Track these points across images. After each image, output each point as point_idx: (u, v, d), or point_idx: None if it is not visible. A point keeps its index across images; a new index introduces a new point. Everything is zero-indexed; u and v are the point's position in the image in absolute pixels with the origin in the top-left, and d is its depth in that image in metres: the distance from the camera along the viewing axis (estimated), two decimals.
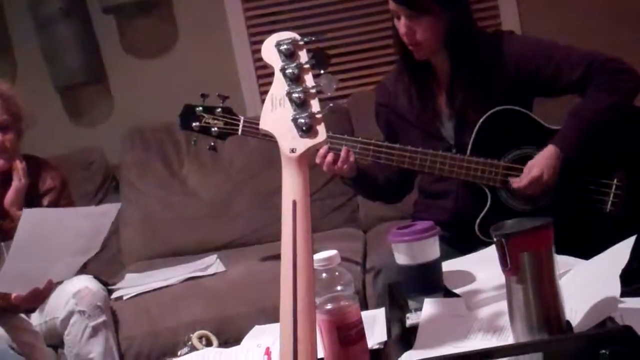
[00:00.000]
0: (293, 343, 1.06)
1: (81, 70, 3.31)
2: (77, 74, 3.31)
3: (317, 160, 2.06)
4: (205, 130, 2.32)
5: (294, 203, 1.12)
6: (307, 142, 1.13)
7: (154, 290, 2.59)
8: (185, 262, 2.85)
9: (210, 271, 2.69)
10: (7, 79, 2.43)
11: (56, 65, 3.31)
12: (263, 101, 3.52)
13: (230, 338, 1.86)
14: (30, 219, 1.85)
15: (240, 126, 2.29)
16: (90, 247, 2.03)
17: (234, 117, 2.31)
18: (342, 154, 2.05)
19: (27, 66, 3.35)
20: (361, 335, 1.30)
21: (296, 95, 1.15)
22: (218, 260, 2.79)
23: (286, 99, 1.16)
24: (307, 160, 1.13)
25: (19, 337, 2.13)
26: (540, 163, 1.99)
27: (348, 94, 3.38)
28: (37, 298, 2.07)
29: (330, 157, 2.05)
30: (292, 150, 1.13)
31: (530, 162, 2.01)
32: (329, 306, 1.28)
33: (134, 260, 3.06)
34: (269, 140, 2.30)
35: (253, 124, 2.30)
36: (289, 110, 1.15)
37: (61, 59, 3.28)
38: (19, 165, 2.29)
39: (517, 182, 2.01)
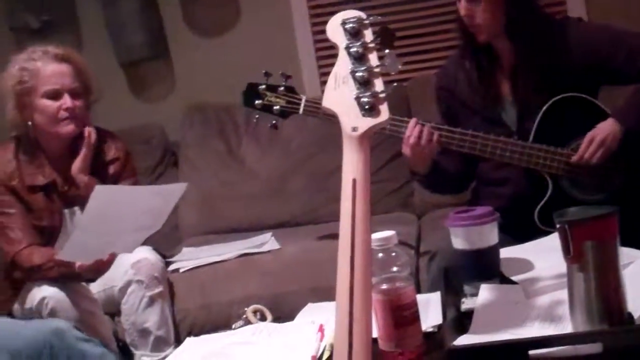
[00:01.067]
0: (349, 321, 1.06)
1: (144, 46, 3.36)
2: (140, 50, 3.36)
3: (406, 134, 2.05)
4: (267, 109, 2.34)
5: (354, 182, 1.12)
6: (369, 121, 1.12)
7: (210, 264, 2.62)
8: (241, 239, 2.88)
9: (265, 248, 2.71)
10: None
11: (120, 40, 3.36)
12: (322, 82, 3.58)
13: (282, 314, 1.87)
14: (101, 196, 1.91)
15: (302, 105, 2.31)
16: (154, 224, 2.09)
17: (296, 96, 2.32)
18: (426, 130, 2.04)
19: (92, 41, 3.41)
20: (415, 317, 1.30)
21: (360, 74, 1.15)
22: (273, 238, 2.81)
23: (350, 77, 1.16)
24: (368, 139, 1.13)
25: (79, 303, 2.19)
26: (602, 129, 1.95)
27: (407, 77, 3.36)
28: (100, 269, 2.13)
29: (416, 131, 2.03)
30: (354, 129, 1.13)
31: (589, 133, 1.97)
32: (384, 286, 1.28)
33: (190, 235, 3.10)
34: (329, 120, 2.33)
35: (314, 103, 2.31)
36: (352, 89, 1.15)
37: (125, 35, 3.34)
38: (88, 134, 2.34)
39: (579, 153, 1.97)
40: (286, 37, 3.45)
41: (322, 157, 3.16)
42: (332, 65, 3.69)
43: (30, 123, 2.32)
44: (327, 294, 2.25)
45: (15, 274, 2.29)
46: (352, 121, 1.13)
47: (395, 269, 1.29)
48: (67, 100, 2.29)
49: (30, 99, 2.30)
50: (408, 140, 2.06)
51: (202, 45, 3.47)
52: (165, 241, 2.88)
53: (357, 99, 1.14)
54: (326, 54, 3.49)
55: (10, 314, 2.30)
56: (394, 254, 1.29)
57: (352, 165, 1.13)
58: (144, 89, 3.53)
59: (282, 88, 2.34)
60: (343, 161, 1.13)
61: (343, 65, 1.18)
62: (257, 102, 2.36)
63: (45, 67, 2.30)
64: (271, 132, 2.47)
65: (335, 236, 2.93)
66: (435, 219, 2.90)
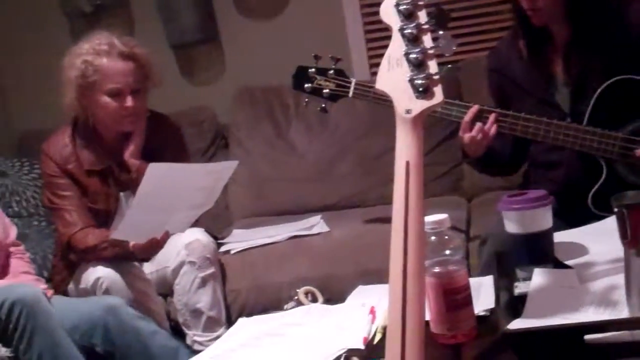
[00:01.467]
0: (402, 304, 1.06)
1: (195, 29, 3.38)
2: (191, 33, 3.38)
3: (466, 119, 2.04)
4: (316, 92, 2.35)
5: (407, 164, 1.12)
6: (423, 104, 1.11)
7: (260, 246, 2.65)
8: (289, 221, 2.90)
9: (314, 231, 2.73)
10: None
11: (171, 23, 3.39)
12: (371, 64, 3.56)
13: (331, 296, 1.88)
14: (155, 173, 1.93)
15: (352, 88, 2.31)
16: (206, 202, 2.12)
17: (345, 79, 2.32)
18: (491, 118, 2.03)
19: (144, 24, 3.45)
20: (468, 301, 1.30)
21: (414, 55, 1.14)
22: (322, 220, 2.82)
23: (403, 59, 1.15)
24: (422, 121, 1.12)
25: (133, 284, 2.23)
26: None
27: (457, 59, 3.32)
28: (154, 248, 2.17)
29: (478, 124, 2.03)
30: (408, 111, 1.12)
31: None
32: (437, 269, 1.28)
33: (240, 217, 3.13)
34: (379, 103, 2.33)
35: (364, 86, 2.31)
36: (405, 71, 1.14)
37: (176, 18, 3.36)
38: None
39: None
40: (335, 19, 3.44)
41: (370, 141, 3.16)
42: (382, 47, 3.68)
43: (89, 111, 2.35)
44: (376, 276, 2.27)
45: (70, 255, 2.33)
46: (406, 103, 1.13)
47: (447, 252, 1.29)
48: (128, 100, 2.31)
49: (92, 93, 2.32)
50: (464, 130, 2.05)
51: (252, 28, 3.48)
52: (216, 223, 2.92)
53: (411, 81, 1.13)
54: (375, 37, 3.47)
55: (66, 294, 2.34)
56: (446, 237, 1.29)
57: (406, 148, 1.13)
58: (195, 72, 3.56)
59: (331, 71, 2.34)
60: (396, 144, 1.13)
61: (397, 47, 1.17)
62: (306, 85, 2.36)
63: (110, 64, 2.30)
64: (320, 115, 2.47)
65: (383, 220, 2.95)
66: (485, 203, 2.87)
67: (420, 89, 1.12)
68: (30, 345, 1.71)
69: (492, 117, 2.05)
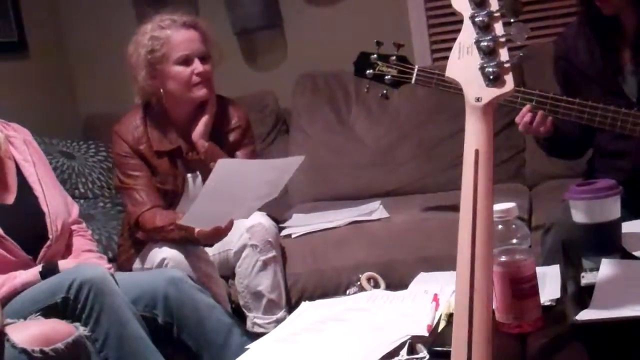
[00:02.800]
0: (469, 292, 1.06)
1: (259, 15, 3.41)
2: (255, 19, 3.42)
3: (517, 120, 2.04)
4: (378, 78, 2.34)
5: (477, 152, 1.11)
6: (494, 91, 1.11)
7: (321, 230, 2.67)
8: (348, 207, 2.91)
9: (374, 216, 2.73)
10: None
11: (236, 9, 3.43)
12: (433, 50, 3.52)
13: (391, 282, 1.89)
14: (224, 168, 1.97)
15: (414, 75, 2.30)
16: (271, 193, 2.15)
17: (408, 65, 2.31)
18: (538, 118, 2.01)
19: (208, 10, 3.49)
20: (534, 290, 1.29)
21: (485, 43, 1.13)
22: (381, 206, 2.83)
23: (474, 47, 1.14)
24: (492, 109, 1.11)
25: (198, 266, 2.27)
26: None
27: (522, 45, 3.27)
28: (218, 235, 2.20)
29: (528, 117, 2.02)
30: (478, 99, 1.11)
31: None
32: (503, 258, 1.28)
33: (300, 202, 3.16)
34: (442, 90, 2.32)
35: (427, 73, 2.30)
36: (476, 59, 1.13)
37: (241, 4, 3.40)
38: (210, 100, 2.41)
39: None
40: (398, 5, 3.42)
41: (430, 127, 3.15)
42: (444, 33, 3.68)
43: (161, 90, 2.39)
44: (436, 264, 2.28)
45: (138, 234, 2.38)
46: (476, 91, 1.12)
47: (515, 241, 1.28)
48: (198, 65, 2.35)
49: (162, 66, 2.36)
50: (518, 125, 2.04)
51: (315, 15, 3.49)
52: (277, 207, 2.94)
53: (482, 68, 1.12)
54: (437, 22, 3.45)
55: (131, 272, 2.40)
56: (514, 226, 1.29)
57: (475, 136, 1.12)
58: (258, 57, 3.59)
59: (394, 57, 2.34)
60: (465, 132, 1.12)
61: (467, 34, 1.16)
62: (368, 71, 2.37)
63: (175, 34, 2.35)
64: (381, 101, 2.47)
65: (442, 207, 2.93)
66: (547, 191, 2.84)
67: (491, 77, 1.11)
68: (98, 324, 1.76)
69: (538, 116, 2.02)
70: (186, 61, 2.36)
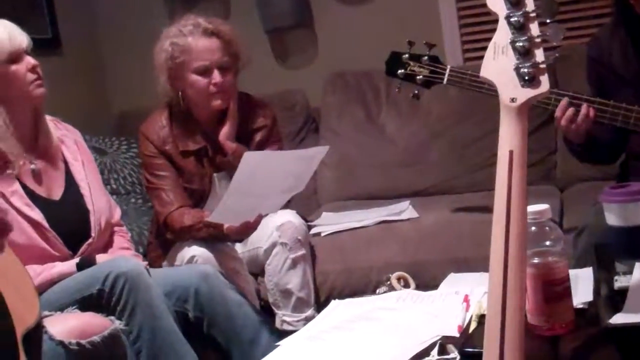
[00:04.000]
0: (502, 293, 1.05)
1: (290, 13, 3.42)
2: (285, 17, 3.43)
3: (557, 114, 2.02)
4: (410, 78, 2.34)
5: (511, 153, 1.10)
6: (529, 92, 1.10)
7: (350, 229, 2.67)
8: (377, 206, 2.90)
9: (403, 216, 2.72)
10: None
11: (267, 7, 3.44)
12: (464, 49, 3.50)
13: (420, 283, 1.89)
14: (250, 162, 1.98)
15: (446, 75, 2.29)
16: (297, 186, 2.15)
17: (440, 65, 2.30)
18: (583, 110, 1.99)
19: (240, 7, 3.51)
20: (567, 293, 1.28)
21: (520, 44, 1.13)
22: (411, 206, 2.82)
23: (509, 47, 1.14)
24: (526, 110, 1.11)
25: (226, 263, 2.28)
26: None
27: (555, 46, 3.24)
28: (247, 230, 2.21)
29: (570, 111, 2.00)
30: (512, 100, 1.11)
31: None
32: (536, 260, 1.27)
33: (328, 200, 3.16)
34: (474, 90, 2.31)
35: (459, 73, 2.28)
36: (511, 59, 1.13)
37: (272, 2, 3.41)
38: (231, 107, 2.42)
39: None
40: (429, 4, 3.41)
41: (461, 128, 3.13)
42: (475, 33, 3.65)
43: (181, 94, 2.40)
44: (466, 265, 2.27)
45: (166, 234, 2.40)
46: (511, 92, 1.11)
47: (548, 242, 1.28)
48: (216, 76, 2.35)
49: (181, 73, 2.37)
50: (559, 121, 2.01)
51: (346, 13, 3.49)
52: (306, 205, 2.95)
53: (517, 69, 1.12)
54: (469, 22, 3.43)
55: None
56: (547, 227, 1.28)
57: (509, 137, 1.11)
58: (288, 56, 3.60)
59: (425, 57, 2.33)
60: (500, 132, 1.12)
61: (503, 35, 1.16)
62: (399, 71, 2.36)
63: (195, 42, 2.35)
64: (411, 101, 2.46)
65: (472, 208, 2.91)
66: (578, 193, 2.81)
67: (526, 78, 1.11)
68: (132, 317, 1.78)
69: (583, 109, 2.00)
70: (204, 71, 2.36)
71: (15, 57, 1.94)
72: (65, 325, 1.56)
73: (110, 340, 1.61)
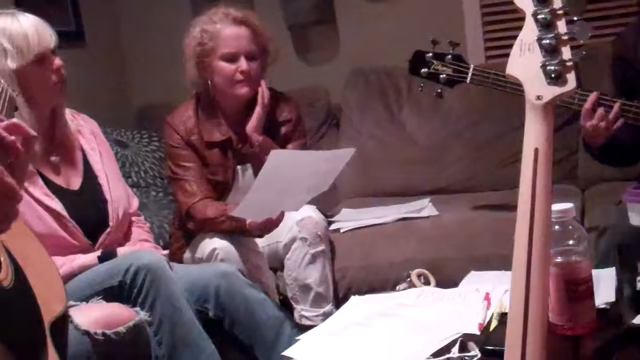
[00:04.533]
0: (525, 292, 1.05)
1: (313, 9, 3.43)
2: (308, 13, 3.43)
3: (587, 106, 2.00)
4: (433, 77, 2.34)
5: (536, 151, 1.10)
6: (555, 90, 1.10)
7: (369, 226, 2.66)
8: (397, 203, 2.90)
9: (423, 214, 2.72)
10: None
11: (289, 3, 3.45)
12: (486, 49, 3.48)
13: (440, 280, 1.88)
14: (276, 160, 1.99)
15: (470, 74, 2.29)
16: (322, 185, 2.16)
17: (464, 64, 2.30)
18: (615, 108, 1.98)
19: (263, 3, 3.51)
20: (590, 293, 1.28)
21: (547, 41, 1.12)
22: (430, 204, 2.82)
23: (536, 44, 1.13)
24: (553, 108, 1.10)
25: (247, 257, 2.29)
26: None
27: (578, 45, 3.22)
28: (269, 227, 2.22)
29: (602, 109, 1.99)
30: (538, 98, 1.11)
31: None
32: (559, 259, 1.27)
33: (348, 197, 3.16)
34: (497, 89, 2.30)
35: (483, 72, 2.28)
36: (538, 57, 1.12)
37: None
38: (264, 94, 2.43)
39: None
40: (452, 2, 3.40)
41: (482, 126, 3.13)
42: (498, 31, 3.63)
43: (209, 82, 2.42)
44: (486, 263, 2.26)
45: (189, 225, 2.41)
46: (537, 89, 1.11)
47: (571, 242, 1.27)
48: (242, 64, 2.37)
49: (209, 60, 2.39)
50: (586, 118, 2.00)
51: (368, 10, 3.48)
52: (325, 201, 2.95)
53: (543, 66, 1.11)
54: (492, 20, 3.42)
55: (181, 262, 2.42)
56: (570, 227, 1.27)
57: (535, 135, 1.11)
58: (310, 52, 3.61)
59: (449, 56, 2.33)
60: (525, 130, 1.12)
61: (529, 32, 1.15)
62: (423, 70, 2.36)
63: (223, 29, 2.38)
64: (432, 98, 2.46)
65: (493, 206, 2.90)
66: (600, 193, 2.79)
67: (553, 75, 1.10)
68: (152, 309, 1.79)
69: (616, 106, 1.99)
70: (232, 58, 2.38)
71: (41, 58, 1.94)
72: (91, 316, 1.57)
73: (135, 331, 1.62)
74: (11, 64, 1.87)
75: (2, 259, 1.10)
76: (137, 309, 1.72)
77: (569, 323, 1.27)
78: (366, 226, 2.66)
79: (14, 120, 1.35)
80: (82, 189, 2.07)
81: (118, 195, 2.12)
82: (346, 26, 3.53)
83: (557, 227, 1.27)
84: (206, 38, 2.38)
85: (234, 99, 2.43)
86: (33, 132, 1.24)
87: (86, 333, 1.51)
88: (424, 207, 2.78)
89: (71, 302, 1.60)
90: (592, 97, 2.00)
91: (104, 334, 1.53)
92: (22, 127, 1.25)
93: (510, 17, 3.38)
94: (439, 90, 2.36)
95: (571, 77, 1.10)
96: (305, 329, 2.07)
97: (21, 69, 1.88)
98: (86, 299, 1.74)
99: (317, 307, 2.38)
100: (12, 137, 1.17)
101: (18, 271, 1.10)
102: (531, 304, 1.04)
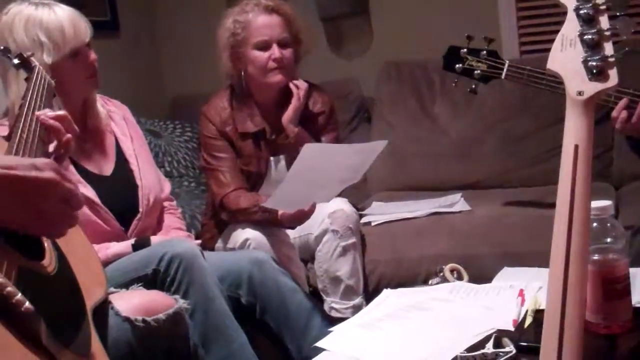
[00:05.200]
0: (562, 289, 1.04)
1: (346, 1, 3.42)
2: (341, 5, 3.43)
3: (614, 114, 2.00)
4: (467, 73, 2.33)
5: (576, 147, 1.09)
6: (596, 86, 1.08)
7: (400, 220, 2.66)
8: (427, 197, 2.89)
9: (455, 208, 2.70)
10: None
11: None
12: (520, 44, 3.44)
13: (471, 275, 1.88)
14: (309, 153, 2.00)
15: (505, 70, 2.28)
16: (354, 177, 2.17)
17: (498, 60, 2.29)
18: (638, 109, 1.96)
19: None
20: (627, 291, 1.27)
21: (589, 36, 1.11)
22: (462, 199, 2.80)
23: (577, 40, 1.12)
24: (593, 104, 1.09)
25: (279, 248, 2.30)
26: None
27: (618, 40, 3.17)
28: (301, 218, 2.23)
29: (624, 114, 1.97)
30: (579, 93, 1.09)
31: None
32: (596, 257, 1.26)
33: (378, 190, 3.15)
34: (532, 86, 2.28)
35: (518, 68, 2.27)
36: (579, 52, 1.11)
37: None
38: (301, 86, 2.43)
39: None
40: None
41: (515, 122, 3.10)
42: (533, 26, 3.59)
43: (243, 73, 2.43)
44: (518, 260, 2.24)
45: (221, 215, 2.43)
46: (578, 85, 1.10)
47: (609, 240, 1.26)
48: (275, 51, 2.38)
49: (242, 50, 2.41)
50: (615, 121, 1.99)
51: (402, 3, 3.47)
52: (356, 194, 2.95)
53: (585, 62, 1.10)
54: (527, 14, 3.38)
55: (213, 251, 2.44)
56: (609, 224, 1.26)
57: (575, 131, 1.10)
58: (343, 44, 3.60)
59: (484, 52, 2.32)
60: (565, 126, 1.11)
61: (571, 27, 1.14)
62: (457, 65, 2.35)
63: (255, 18, 2.39)
64: (466, 93, 2.45)
65: (525, 202, 2.88)
66: (634, 191, 2.76)
67: (594, 71, 1.09)
68: (186, 297, 1.79)
69: (639, 108, 1.97)
70: (265, 46, 2.39)
71: (76, 52, 1.94)
72: (131, 302, 1.58)
73: (175, 319, 1.63)
74: (47, 58, 1.86)
75: (46, 245, 1.12)
76: (177, 296, 1.73)
77: (605, 321, 1.26)
78: (397, 220, 2.66)
79: (64, 112, 1.37)
80: (113, 175, 2.07)
81: (149, 180, 2.12)
82: (380, 18, 3.52)
83: (595, 224, 1.26)
84: (238, 28, 2.39)
85: (268, 88, 2.44)
86: (76, 129, 1.26)
87: (127, 319, 1.52)
88: (456, 202, 2.76)
89: (111, 289, 1.61)
90: (620, 104, 1.99)
91: (144, 321, 1.54)
92: (68, 119, 1.27)
93: (545, 13, 3.35)
94: (473, 86, 2.35)
95: (613, 73, 1.09)
96: (334, 321, 2.08)
97: (56, 63, 1.88)
98: (123, 286, 1.75)
99: (347, 299, 2.38)
100: (59, 124, 1.19)
101: (61, 257, 1.12)
102: (568, 302, 1.03)
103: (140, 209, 2.06)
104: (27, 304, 0.92)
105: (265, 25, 2.40)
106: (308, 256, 2.48)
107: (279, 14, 2.42)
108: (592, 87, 1.09)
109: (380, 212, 2.75)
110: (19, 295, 0.92)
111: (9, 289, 0.92)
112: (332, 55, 3.60)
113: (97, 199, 1.97)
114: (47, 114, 1.37)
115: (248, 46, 2.40)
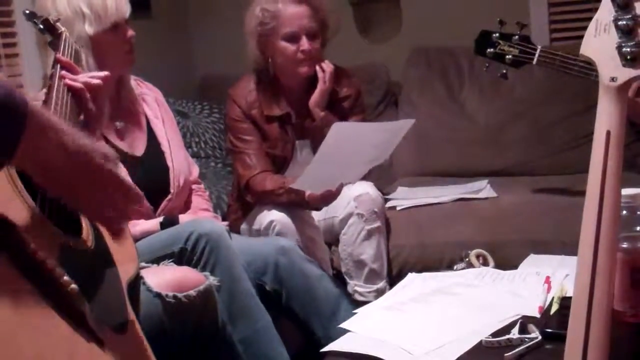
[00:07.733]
0: (590, 276, 1.04)
1: None
2: None
3: (630, 94, 1.97)
4: (499, 57, 2.33)
5: (608, 134, 1.08)
6: (630, 72, 1.07)
7: (426, 205, 2.65)
8: (453, 183, 2.88)
9: (481, 195, 2.69)
10: None
11: None
12: (551, 31, 3.40)
13: (497, 262, 1.87)
14: (338, 132, 2.00)
15: (537, 55, 2.27)
16: (381, 156, 2.17)
17: (530, 45, 2.28)
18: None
19: None
20: None
21: (623, 22, 1.09)
22: (488, 185, 2.79)
23: (612, 25, 1.11)
24: (626, 90, 1.08)
25: (303, 230, 2.31)
26: None
27: None
28: (328, 199, 2.24)
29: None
30: (613, 79, 1.08)
31: None
32: (625, 245, 1.24)
33: (404, 175, 3.14)
34: (563, 72, 2.26)
35: (550, 54, 2.25)
36: (613, 38, 1.10)
37: None
38: (327, 69, 2.43)
39: None
40: None
41: (544, 109, 3.07)
42: (563, 13, 3.54)
43: (270, 61, 2.43)
44: (544, 247, 2.24)
45: (247, 197, 2.44)
46: (611, 71, 1.09)
47: (638, 228, 1.25)
48: (304, 43, 2.38)
49: (270, 39, 2.41)
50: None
51: None
52: (381, 178, 2.95)
53: (619, 48, 1.09)
54: (558, 1, 3.34)
55: (238, 233, 2.46)
56: (639, 212, 1.25)
57: (607, 117, 1.09)
58: (371, 29, 3.58)
59: (516, 37, 2.32)
60: (597, 112, 1.10)
61: (605, 12, 1.12)
62: (489, 50, 2.35)
63: (284, 9, 2.38)
64: (494, 79, 2.43)
65: (553, 190, 2.86)
66: None
67: (628, 57, 1.08)
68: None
69: None
70: (293, 38, 2.39)
71: (116, 26, 1.97)
72: (163, 278, 1.60)
73: (205, 295, 1.64)
74: (89, 29, 1.91)
75: (82, 218, 1.13)
76: (207, 273, 1.75)
77: (632, 310, 1.25)
78: (423, 205, 2.65)
79: (106, 73, 1.38)
80: (145, 155, 2.10)
81: (180, 163, 2.15)
82: (409, 3, 3.49)
83: (624, 212, 1.24)
84: (267, 17, 2.39)
85: (295, 76, 2.44)
86: (104, 102, 1.28)
87: (158, 295, 1.54)
88: (482, 189, 2.75)
89: (143, 264, 1.63)
90: (634, 86, 1.97)
91: (175, 297, 1.56)
92: (98, 86, 1.29)
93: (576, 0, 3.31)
94: (504, 71, 2.34)
95: None
96: (358, 304, 2.09)
97: (97, 35, 1.92)
98: (151, 263, 1.77)
99: (370, 283, 2.39)
100: (84, 89, 1.21)
101: (97, 232, 1.13)
102: (596, 290, 1.03)
103: (172, 190, 2.08)
104: (73, 285, 0.94)
105: (295, 16, 2.39)
106: (332, 239, 2.48)
107: (307, 4, 2.41)
108: (626, 73, 1.07)
109: (405, 197, 2.75)
110: (66, 277, 0.93)
111: (57, 269, 0.93)
112: (360, 39, 3.58)
113: (127, 177, 1.98)
114: (89, 74, 1.40)
115: (276, 36, 2.40)
